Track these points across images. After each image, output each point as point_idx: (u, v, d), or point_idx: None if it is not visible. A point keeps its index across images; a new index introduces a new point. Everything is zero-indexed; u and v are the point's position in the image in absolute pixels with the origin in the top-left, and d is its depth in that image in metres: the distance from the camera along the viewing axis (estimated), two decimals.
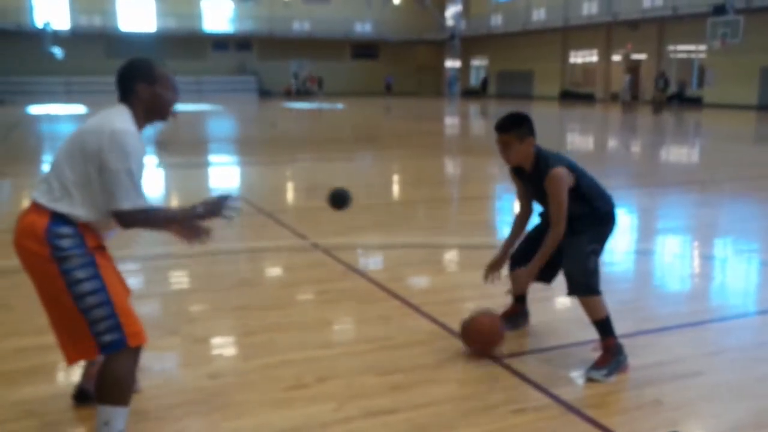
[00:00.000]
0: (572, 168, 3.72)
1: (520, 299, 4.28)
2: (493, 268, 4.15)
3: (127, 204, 2.71)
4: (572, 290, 3.70)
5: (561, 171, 3.63)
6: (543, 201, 3.88)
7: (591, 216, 3.73)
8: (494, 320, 3.91)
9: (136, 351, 2.82)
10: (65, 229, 2.70)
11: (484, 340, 3.85)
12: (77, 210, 2.72)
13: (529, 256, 3.97)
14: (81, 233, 2.73)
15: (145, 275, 5.56)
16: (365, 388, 3.49)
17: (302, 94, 48.15)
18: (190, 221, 2.98)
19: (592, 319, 3.69)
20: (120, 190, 2.69)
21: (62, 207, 2.70)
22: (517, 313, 4.28)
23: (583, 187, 3.72)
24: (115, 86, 2.89)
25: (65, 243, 2.69)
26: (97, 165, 2.69)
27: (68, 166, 2.72)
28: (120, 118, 2.77)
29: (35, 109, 31.86)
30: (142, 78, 2.85)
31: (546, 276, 4.05)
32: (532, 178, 3.78)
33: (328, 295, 5.05)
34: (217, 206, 2.95)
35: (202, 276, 5.63)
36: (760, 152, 16.89)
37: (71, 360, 2.85)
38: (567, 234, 3.72)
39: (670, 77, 34.30)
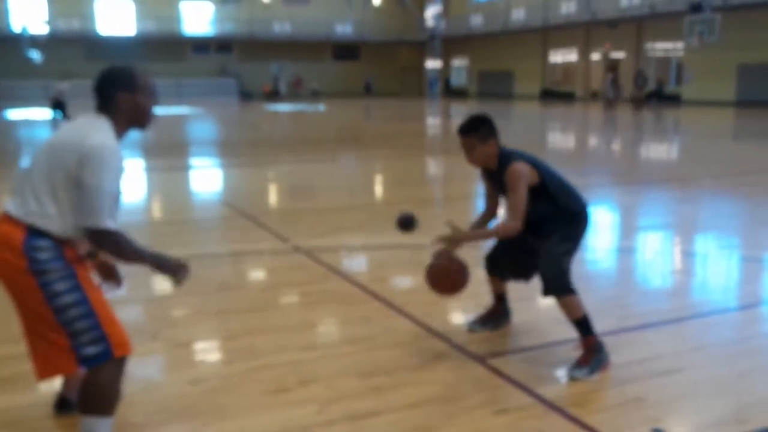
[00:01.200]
0: (537, 166, 3.73)
1: (501, 299, 4.28)
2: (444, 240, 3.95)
3: (94, 222, 2.62)
4: (547, 291, 3.72)
5: (520, 165, 3.66)
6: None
7: (561, 216, 3.74)
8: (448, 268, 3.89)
9: (121, 361, 2.78)
10: (43, 242, 2.62)
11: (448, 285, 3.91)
12: (53, 224, 2.63)
13: (502, 262, 4.01)
14: (59, 245, 2.66)
15: (125, 279, 5.50)
16: (347, 390, 3.47)
17: (290, 96, 48.34)
18: (155, 266, 2.85)
19: (570, 318, 3.70)
20: (90, 207, 2.61)
21: (38, 221, 2.62)
22: (499, 313, 4.28)
23: (551, 186, 3.73)
24: (93, 94, 2.80)
25: (43, 255, 2.61)
26: (75, 179, 2.61)
27: (44, 179, 2.64)
28: (99, 130, 2.69)
29: (13, 114, 31.53)
30: (123, 87, 2.77)
31: (524, 274, 4.07)
32: (497, 177, 3.81)
33: (310, 298, 5.03)
34: (180, 271, 2.88)
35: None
36: (739, 148, 17.05)
37: (42, 375, 2.78)
38: (540, 237, 3.74)
39: (648, 75, 34.47)
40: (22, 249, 2.60)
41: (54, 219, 2.64)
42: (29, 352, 2.81)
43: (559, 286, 3.67)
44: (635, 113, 29.38)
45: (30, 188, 2.66)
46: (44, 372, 2.78)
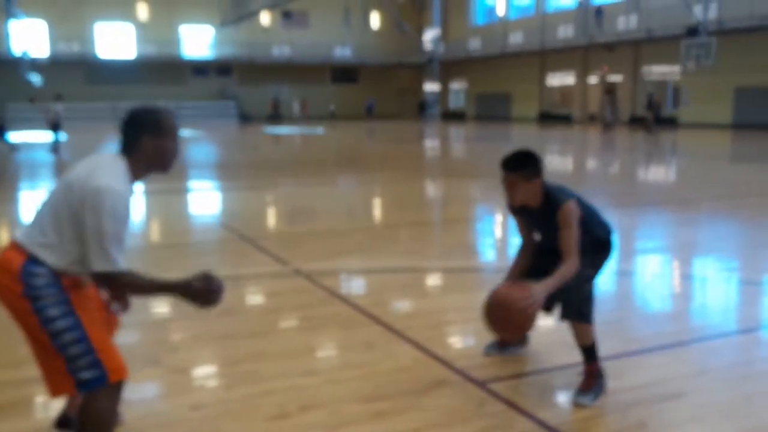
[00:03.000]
0: (579, 201, 3.69)
1: None
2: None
3: (98, 266, 2.65)
4: (566, 314, 3.69)
5: (572, 205, 3.59)
6: (548, 234, 3.79)
7: (590, 244, 3.71)
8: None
9: (117, 386, 2.79)
10: (40, 269, 2.67)
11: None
12: (50, 256, 2.68)
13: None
14: (55, 272, 2.70)
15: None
16: (350, 416, 3.45)
17: (298, 119, 49.06)
18: (181, 295, 2.84)
19: (580, 343, 3.69)
20: (93, 252, 2.63)
21: (40, 252, 2.67)
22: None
23: (589, 221, 3.71)
24: (119, 135, 2.82)
25: (38, 282, 2.66)
26: (77, 219, 2.64)
27: (52, 212, 2.70)
28: (110, 172, 2.69)
29: (13, 137, 31.56)
30: (149, 131, 2.78)
31: (547, 303, 4.00)
32: (539, 214, 3.70)
33: (311, 322, 5.01)
34: (210, 294, 2.84)
35: (183, 304, 5.54)
36: (737, 171, 17.08)
37: (54, 394, 2.83)
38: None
39: (653, 97, 33.99)
40: (19, 274, 2.65)
41: (53, 251, 2.69)
42: (41, 372, 2.83)
43: (582, 312, 3.63)
44: (648, 136, 29.12)
45: (39, 219, 2.73)
46: (55, 391, 2.81)
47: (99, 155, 2.83)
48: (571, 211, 3.57)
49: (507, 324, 3.51)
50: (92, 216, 2.61)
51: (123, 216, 2.67)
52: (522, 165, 3.56)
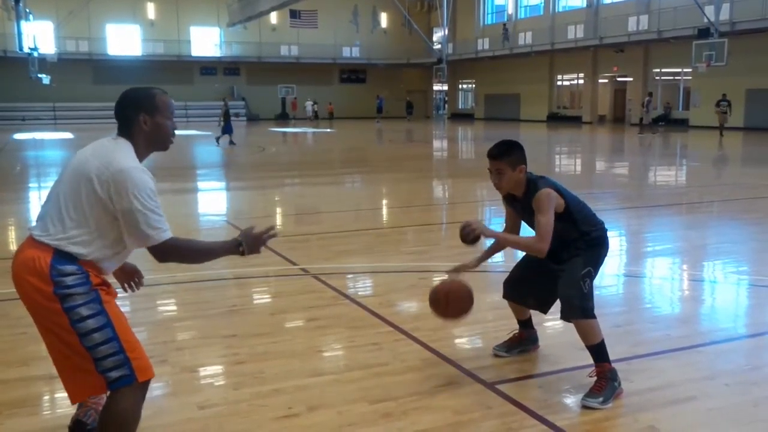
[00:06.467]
0: (561, 192, 3.72)
1: (526, 324, 4.25)
2: (460, 269, 4.13)
3: (153, 240, 2.67)
4: (567, 314, 3.69)
5: (548, 191, 3.65)
6: (532, 224, 3.85)
7: (583, 240, 3.73)
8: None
9: (143, 386, 2.77)
10: (69, 267, 2.62)
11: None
12: (80, 249, 2.65)
13: (522, 287, 3.98)
14: (85, 270, 2.66)
15: (132, 303, 5.49)
16: (357, 416, 3.45)
17: (308, 119, 49.17)
18: (229, 254, 2.92)
19: (587, 343, 3.67)
20: (142, 229, 2.64)
21: (65, 245, 2.63)
22: (524, 338, 4.25)
23: (574, 212, 3.73)
24: (115, 117, 2.81)
25: (69, 280, 2.61)
26: (108, 207, 2.63)
27: (69, 203, 2.65)
28: (122, 154, 2.69)
29: (21, 136, 31.75)
30: (144, 109, 2.77)
31: (542, 305, 4.04)
32: (523, 204, 3.78)
33: (319, 322, 5.01)
34: (258, 242, 2.94)
35: (190, 303, 5.57)
36: (747, 173, 16.99)
37: (76, 398, 2.79)
38: (561, 261, 3.71)
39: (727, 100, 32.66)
40: (48, 273, 2.60)
41: (80, 242, 2.65)
42: (59, 376, 2.79)
43: (581, 309, 3.63)
44: (723, 138, 28.56)
45: (56, 212, 2.67)
46: (76, 396, 2.78)
47: (101, 141, 2.80)
48: (546, 196, 3.62)
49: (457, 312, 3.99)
50: (128, 197, 2.60)
51: (154, 189, 2.69)
52: (506, 152, 3.70)
